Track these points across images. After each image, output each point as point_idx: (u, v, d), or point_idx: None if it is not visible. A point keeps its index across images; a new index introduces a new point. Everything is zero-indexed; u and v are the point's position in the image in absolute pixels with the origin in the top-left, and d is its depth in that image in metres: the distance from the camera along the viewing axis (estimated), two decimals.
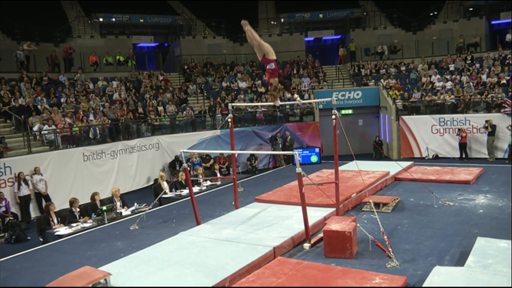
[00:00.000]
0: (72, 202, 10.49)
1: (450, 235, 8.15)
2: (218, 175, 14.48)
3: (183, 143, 16.39)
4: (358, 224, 7.69)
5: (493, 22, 25.40)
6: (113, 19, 24.92)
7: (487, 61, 21.07)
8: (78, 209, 10.53)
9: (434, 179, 12.40)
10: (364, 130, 20.92)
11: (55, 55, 20.01)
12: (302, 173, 7.63)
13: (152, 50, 26.86)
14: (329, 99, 9.15)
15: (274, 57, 8.62)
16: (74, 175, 14.60)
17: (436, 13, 25.52)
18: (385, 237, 7.29)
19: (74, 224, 9.99)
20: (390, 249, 7.11)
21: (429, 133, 18.89)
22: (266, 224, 8.86)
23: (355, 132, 20.43)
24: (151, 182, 16.47)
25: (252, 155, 18.62)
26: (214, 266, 6.87)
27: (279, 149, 19.02)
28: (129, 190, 15.96)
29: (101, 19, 24.58)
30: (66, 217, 10.28)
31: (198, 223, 9.19)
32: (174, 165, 16.90)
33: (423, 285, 5.87)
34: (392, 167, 13.24)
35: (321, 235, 8.12)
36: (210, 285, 6.21)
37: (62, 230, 9.70)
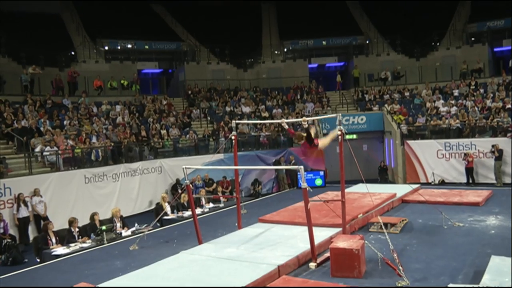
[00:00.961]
0: (71, 221, 10.24)
1: (462, 254, 7.84)
2: (221, 198, 14.22)
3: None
4: (366, 241, 7.39)
5: (495, 49, 25.50)
6: (118, 45, 25.13)
7: (491, 86, 21.02)
8: (77, 229, 10.27)
9: (442, 201, 12.10)
10: (369, 156, 20.71)
11: (60, 79, 20.09)
12: (308, 189, 7.40)
13: (157, 76, 27.01)
14: (334, 115, 8.99)
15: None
16: (75, 197, 14.38)
17: (438, 39, 25.61)
18: (395, 255, 6.99)
19: (72, 244, 9.71)
20: (400, 268, 6.81)
21: (434, 158, 18.64)
22: (270, 243, 8.57)
23: (360, 157, 20.34)
24: (153, 206, 16.15)
25: (255, 180, 18.41)
26: (216, 284, 6.57)
27: (282, 173, 18.81)
28: (131, 213, 15.67)
29: (106, 47, 24.79)
30: (65, 237, 10.02)
31: (200, 243, 8.89)
32: (176, 188, 16.66)
33: None
34: (399, 190, 12.97)
35: (327, 254, 7.83)
36: None
37: (60, 250, 9.42)
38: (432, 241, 8.76)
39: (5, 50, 20.23)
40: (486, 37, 24.48)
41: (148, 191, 16.77)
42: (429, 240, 8.84)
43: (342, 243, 7.37)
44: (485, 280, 6.11)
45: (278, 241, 8.68)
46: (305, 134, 8.52)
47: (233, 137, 9.82)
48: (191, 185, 14.76)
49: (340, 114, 8.83)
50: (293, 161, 18.90)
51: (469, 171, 17.60)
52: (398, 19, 27.67)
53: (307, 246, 7.93)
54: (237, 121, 10.32)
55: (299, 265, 7.75)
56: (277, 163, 18.74)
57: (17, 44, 20.28)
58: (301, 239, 8.55)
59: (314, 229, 7.87)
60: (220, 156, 18.03)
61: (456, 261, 7.49)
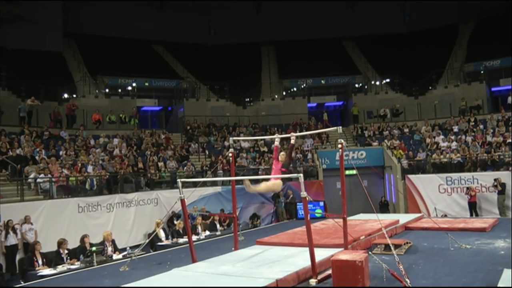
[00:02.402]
0: (61, 243, 9.80)
1: (472, 271, 7.40)
2: (218, 226, 13.75)
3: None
4: (370, 253, 6.98)
5: (493, 89, 25.65)
6: (118, 81, 25.31)
7: (490, 122, 20.97)
8: (66, 251, 9.79)
9: (447, 227, 11.66)
10: (369, 191, 20.26)
11: (58, 111, 20.04)
12: (307, 198, 7.07)
13: (156, 114, 27.06)
14: (335, 128, 8.77)
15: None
16: (67, 226, 13.85)
17: (436, 78, 25.84)
18: (401, 266, 6.57)
19: (60, 266, 9.22)
20: (407, 280, 6.37)
21: (436, 192, 18.27)
22: (268, 261, 8.12)
23: (361, 193, 19.94)
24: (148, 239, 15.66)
25: (254, 214, 17.96)
26: None
27: (281, 208, 18.39)
28: (125, 245, 15.04)
29: (106, 83, 24.97)
30: (53, 259, 9.52)
31: (194, 261, 8.42)
32: (172, 221, 16.15)
33: None
34: (401, 217, 12.58)
35: (329, 272, 7.39)
36: None
37: (46, 271, 8.93)
38: (439, 261, 8.31)
39: (6, 84, 20.33)
40: (483, 75, 24.71)
41: (144, 223, 16.22)
42: (436, 260, 8.39)
43: (345, 255, 6.96)
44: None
45: (276, 259, 8.23)
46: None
47: (230, 154, 9.55)
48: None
49: (341, 127, 8.61)
50: (292, 195, 18.55)
51: (472, 205, 17.19)
52: (396, 59, 28.09)
53: (307, 263, 7.50)
54: (235, 138, 10.01)
55: (298, 281, 7.28)
56: (275, 196, 18.35)
57: (18, 79, 20.36)
58: (301, 257, 8.13)
59: (315, 249, 7.47)
60: (218, 189, 17.68)
61: (466, 278, 7.05)
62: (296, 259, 8.15)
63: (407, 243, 9.64)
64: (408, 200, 18.48)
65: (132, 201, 16.01)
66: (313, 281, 7.22)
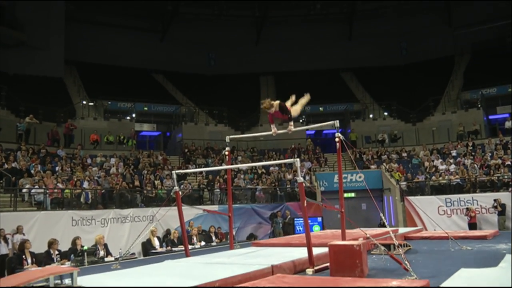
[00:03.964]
0: (51, 243, 9.58)
1: (473, 263, 7.17)
2: (214, 238, 13.45)
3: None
4: (369, 236, 6.79)
5: (490, 117, 25.77)
6: (118, 105, 25.44)
7: (489, 146, 20.96)
8: (56, 252, 9.53)
9: (447, 236, 11.42)
10: (368, 215, 20.13)
11: (56, 131, 20.02)
12: (304, 184, 6.95)
13: (154, 139, 27.05)
14: (332, 122, 8.72)
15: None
16: (60, 239, 13.34)
17: (434, 105, 26.02)
18: (400, 250, 6.38)
19: (49, 266, 8.94)
20: (406, 262, 6.16)
21: (436, 214, 17.99)
22: (264, 255, 7.91)
23: (359, 215, 19.70)
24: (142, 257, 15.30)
25: (251, 234, 17.67)
26: (203, 275, 5.90)
27: (279, 228, 18.09)
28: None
29: (105, 107, 25.10)
30: (42, 259, 9.26)
31: (187, 256, 8.19)
32: (167, 235, 15.84)
33: (446, 285, 4.93)
34: (401, 229, 12.35)
35: (327, 264, 7.16)
36: (196, 284, 5.24)
37: (34, 269, 8.63)
38: (439, 258, 8.11)
39: (5, 104, 20.40)
40: (480, 102, 24.93)
41: (138, 245, 15.88)
42: (437, 257, 8.19)
43: (342, 242, 6.77)
44: (501, 265, 5.51)
45: (273, 254, 8.02)
46: (277, 102, 8.05)
47: (226, 153, 9.46)
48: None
49: (338, 121, 8.58)
50: (289, 216, 18.31)
51: (472, 226, 16.91)
52: (393, 88, 28.40)
53: (304, 255, 7.29)
54: (231, 136, 9.90)
55: (295, 271, 7.07)
56: (273, 216, 18.11)
57: (18, 99, 20.46)
58: (298, 252, 7.91)
59: (313, 249, 7.26)
60: (215, 207, 17.45)
61: (467, 267, 6.81)
62: (293, 254, 7.93)
63: (407, 245, 9.42)
64: (407, 221, 18.23)
65: (127, 217, 15.73)
66: (310, 270, 6.99)
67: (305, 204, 6.93)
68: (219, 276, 5.61)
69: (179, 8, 30.00)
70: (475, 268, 5.48)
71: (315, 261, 7.43)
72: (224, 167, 10.13)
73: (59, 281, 5.31)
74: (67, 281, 5.41)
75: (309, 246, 7.04)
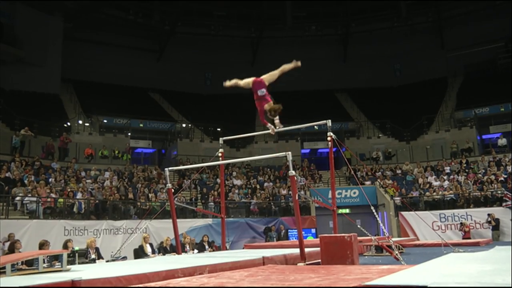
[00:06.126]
0: (42, 244, 9.49)
1: None
2: (207, 247, 13.32)
3: (172, 230, 15.44)
4: (359, 226, 6.80)
5: (484, 137, 26.00)
6: (113, 121, 25.52)
7: (482, 163, 21.09)
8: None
9: (441, 243, 11.42)
10: (362, 231, 20.00)
11: (51, 144, 20.02)
12: (296, 177, 7.00)
13: (149, 156, 27.04)
14: (324, 121, 8.81)
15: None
16: (52, 247, 13.38)
17: (427, 124, 26.26)
18: (391, 240, 6.39)
19: None
20: (397, 252, 6.18)
21: (430, 230, 17.93)
22: (256, 252, 7.88)
23: (354, 232, 19.63)
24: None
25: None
26: (194, 263, 5.89)
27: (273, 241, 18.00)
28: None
29: (101, 120, 25.18)
30: (33, 261, 9.13)
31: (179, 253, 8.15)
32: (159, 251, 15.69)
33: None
34: (395, 238, 12.31)
35: (318, 260, 7.16)
36: (186, 266, 5.23)
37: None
38: (431, 257, 8.06)
39: (1, 117, 20.41)
40: (473, 121, 25.22)
41: (131, 252, 15.73)
42: (428, 257, 8.13)
43: (334, 234, 6.78)
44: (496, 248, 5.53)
45: (264, 252, 7.98)
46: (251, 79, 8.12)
47: (220, 154, 9.51)
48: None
49: (330, 120, 8.68)
50: (284, 231, 18.24)
51: None
52: (387, 108, 28.70)
53: (296, 251, 7.28)
54: (225, 138, 9.93)
55: (286, 264, 7.02)
56: (267, 230, 18.03)
57: (13, 113, 20.52)
58: (290, 250, 7.89)
59: (306, 250, 7.25)
60: (209, 221, 17.40)
61: None
62: (285, 252, 7.91)
63: (400, 247, 9.39)
64: (401, 236, 18.12)
65: (120, 228, 15.63)
66: (301, 264, 6.96)
67: (297, 198, 6.95)
68: (209, 262, 5.60)
69: (176, 28, 30.48)
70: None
71: (307, 258, 7.42)
72: (219, 162, 9.93)
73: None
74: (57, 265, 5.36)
75: (300, 241, 7.04)
